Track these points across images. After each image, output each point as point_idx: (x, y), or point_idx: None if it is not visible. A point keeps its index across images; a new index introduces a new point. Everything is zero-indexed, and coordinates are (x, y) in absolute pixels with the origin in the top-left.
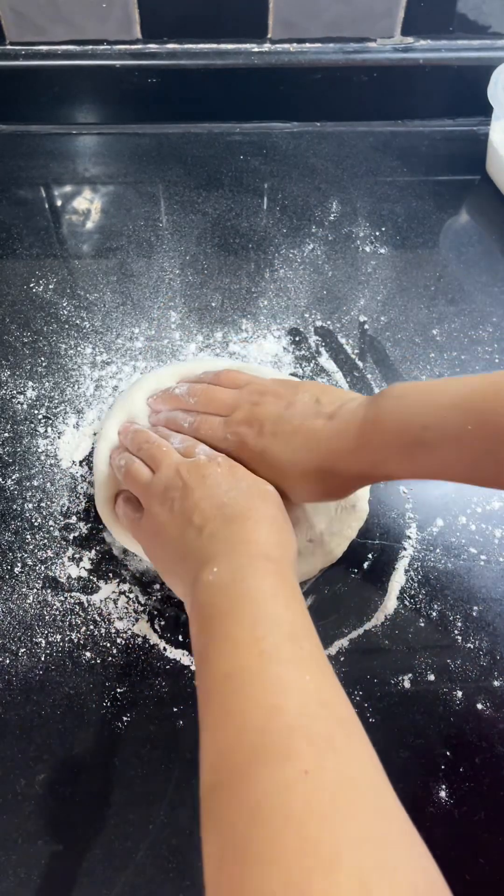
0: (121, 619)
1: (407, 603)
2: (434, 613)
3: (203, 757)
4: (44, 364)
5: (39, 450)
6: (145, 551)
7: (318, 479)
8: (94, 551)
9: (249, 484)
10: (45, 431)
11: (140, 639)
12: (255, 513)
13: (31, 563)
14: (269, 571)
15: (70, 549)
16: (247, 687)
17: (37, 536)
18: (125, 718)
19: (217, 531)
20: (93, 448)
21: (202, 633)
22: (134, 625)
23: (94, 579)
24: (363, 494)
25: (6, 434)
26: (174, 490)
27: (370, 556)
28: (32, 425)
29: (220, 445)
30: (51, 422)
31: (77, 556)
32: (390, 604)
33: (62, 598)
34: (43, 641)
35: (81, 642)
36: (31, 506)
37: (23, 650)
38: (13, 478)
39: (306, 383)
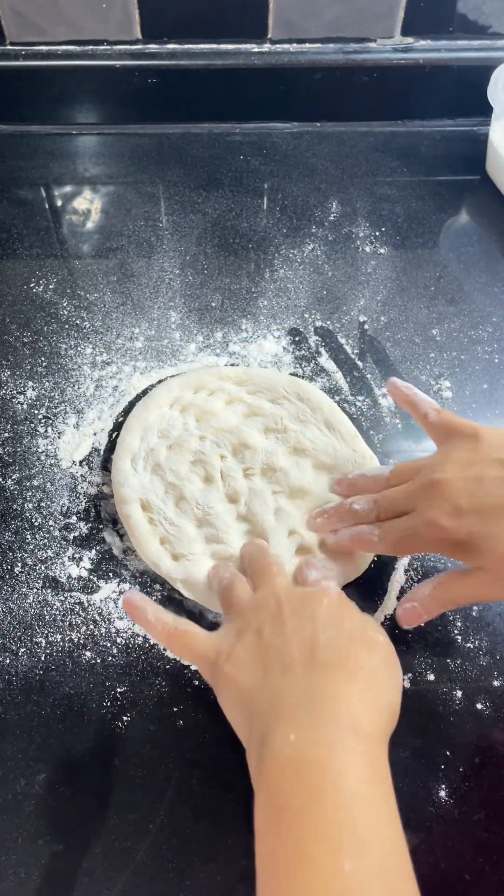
0: (121, 618)
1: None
2: None
3: None
4: (44, 364)
5: (39, 450)
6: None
7: None
8: (94, 551)
9: (355, 625)
10: (45, 431)
11: (140, 638)
12: (351, 662)
13: (31, 562)
14: (357, 752)
15: (70, 548)
16: None
17: (37, 536)
18: (125, 718)
19: (301, 676)
20: (92, 449)
21: (271, 828)
22: (134, 625)
23: (94, 579)
24: None
25: (6, 434)
26: (267, 612)
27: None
28: (32, 425)
29: (408, 547)
30: (51, 422)
31: (77, 555)
32: (390, 604)
33: (62, 598)
34: (43, 641)
35: (81, 642)
36: (31, 506)
37: (23, 650)
38: (13, 478)
39: (481, 440)
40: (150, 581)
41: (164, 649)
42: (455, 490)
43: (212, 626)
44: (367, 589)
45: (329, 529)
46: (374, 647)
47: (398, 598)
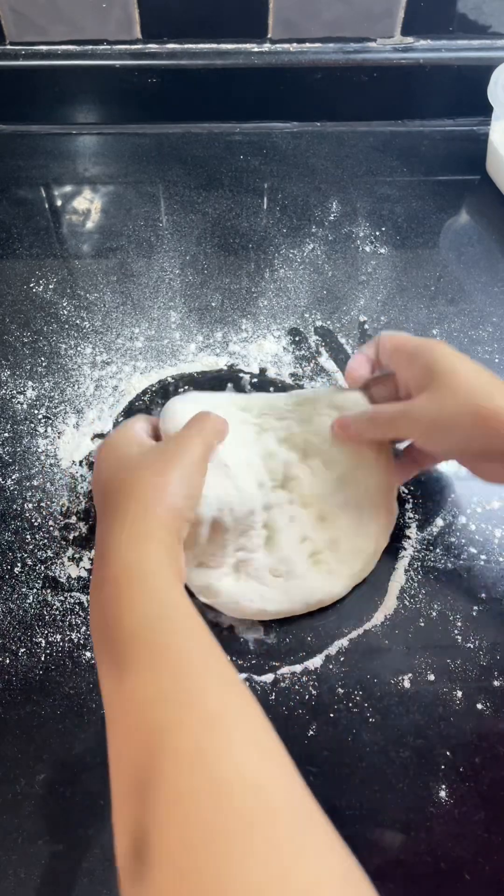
0: None
1: (407, 603)
2: (434, 613)
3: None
4: (44, 364)
5: (39, 450)
6: None
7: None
8: (94, 551)
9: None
10: (45, 431)
11: None
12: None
13: (31, 563)
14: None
15: (70, 548)
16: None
17: (37, 536)
18: None
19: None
20: (93, 450)
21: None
22: None
23: None
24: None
25: (6, 434)
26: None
27: None
28: (32, 425)
29: (387, 413)
30: (51, 422)
31: (77, 555)
32: (390, 604)
33: (62, 598)
34: (43, 641)
35: (81, 642)
36: (31, 506)
37: (23, 650)
38: (13, 478)
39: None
40: None
41: None
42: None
43: (230, 631)
44: (367, 589)
45: (348, 433)
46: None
47: (398, 599)
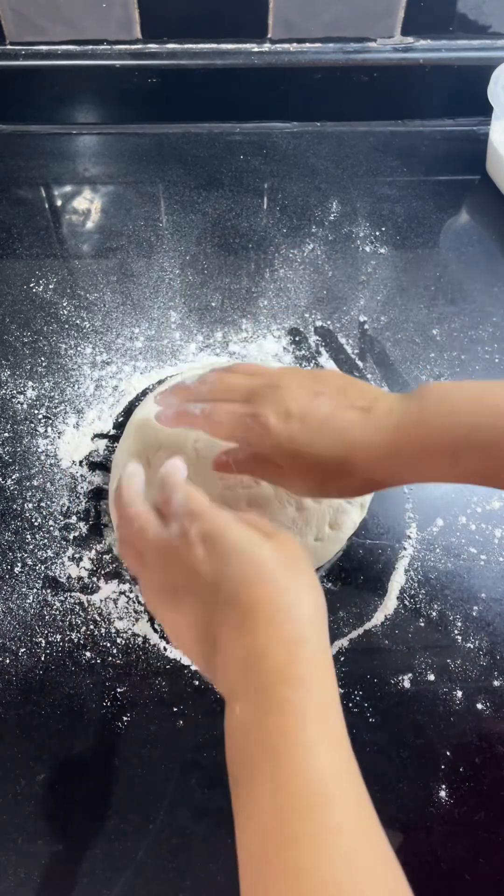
0: (121, 618)
1: (407, 603)
2: (434, 613)
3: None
4: (44, 364)
5: (39, 450)
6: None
7: (345, 473)
8: (94, 551)
9: (240, 563)
10: (45, 431)
11: (140, 639)
12: (255, 611)
13: (31, 563)
14: (288, 713)
15: (70, 548)
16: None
17: (37, 536)
18: (125, 718)
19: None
20: (93, 450)
21: (232, 779)
22: (134, 625)
23: (94, 579)
24: None
25: (6, 434)
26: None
27: (370, 556)
28: (32, 425)
29: (237, 432)
30: (51, 422)
31: (77, 556)
32: (390, 604)
33: (62, 598)
34: (43, 641)
35: (81, 642)
36: (31, 506)
37: (23, 650)
38: (13, 478)
39: (325, 371)
40: None
41: (164, 649)
42: (291, 396)
43: None
44: (367, 589)
45: (164, 403)
46: (265, 573)
47: (398, 599)
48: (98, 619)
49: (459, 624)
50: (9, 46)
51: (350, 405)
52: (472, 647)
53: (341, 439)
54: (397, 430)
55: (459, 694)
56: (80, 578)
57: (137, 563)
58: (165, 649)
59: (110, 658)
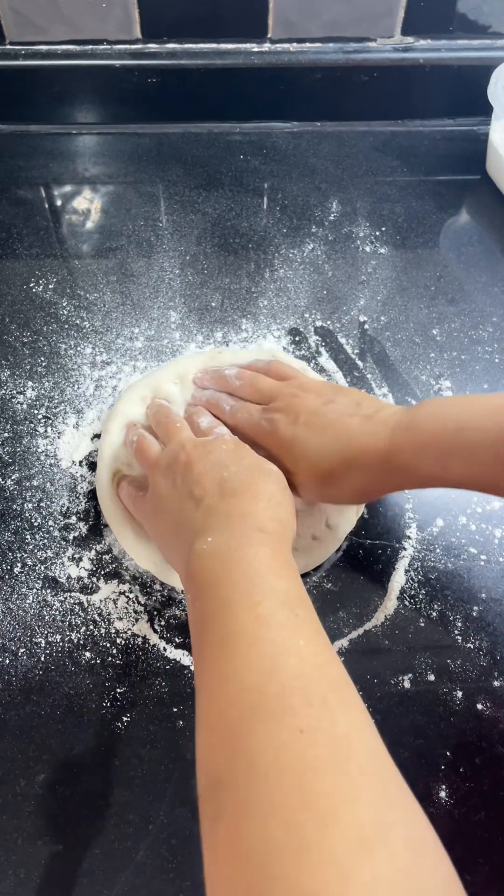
0: (121, 619)
1: (407, 603)
2: (434, 613)
3: (199, 719)
4: (44, 364)
5: (39, 450)
6: (146, 528)
7: (341, 474)
8: (94, 551)
9: (252, 462)
10: (45, 431)
11: (140, 639)
12: (254, 488)
13: (31, 563)
14: (263, 542)
15: (70, 549)
16: (243, 650)
17: (37, 536)
18: (125, 718)
19: (214, 504)
20: (93, 450)
21: (197, 600)
22: (134, 625)
23: (94, 579)
24: None
25: (6, 434)
26: (178, 464)
27: (370, 556)
28: (32, 425)
29: (252, 432)
30: (51, 422)
31: (77, 556)
32: (390, 604)
33: (62, 598)
34: (43, 641)
35: (81, 642)
36: (31, 506)
37: (23, 650)
38: (13, 478)
39: (350, 389)
40: (150, 581)
41: (164, 649)
42: (304, 406)
43: None
44: (367, 589)
45: (202, 385)
46: (270, 476)
47: (398, 599)
48: (98, 619)
49: (459, 624)
50: (9, 46)
51: (355, 412)
52: (472, 647)
53: (339, 441)
54: (392, 435)
55: (459, 694)
56: (79, 578)
57: (151, 462)
58: (165, 649)
59: (110, 658)
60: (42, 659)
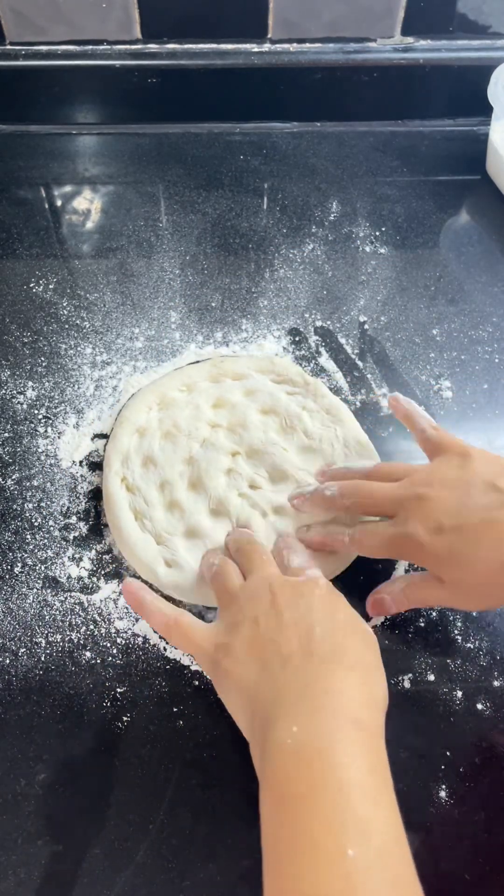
0: (121, 619)
1: None
2: (434, 613)
3: None
4: (44, 364)
5: (39, 450)
6: (206, 662)
7: None
8: (94, 551)
9: (346, 618)
10: (45, 431)
11: (140, 639)
12: (349, 654)
13: (31, 563)
14: (356, 742)
15: (70, 549)
16: None
17: (37, 536)
18: (125, 718)
19: (301, 667)
20: (93, 450)
21: (276, 815)
22: (134, 625)
23: (94, 579)
24: None
25: (6, 434)
26: (261, 602)
27: None
28: (32, 425)
29: (389, 552)
30: (51, 422)
31: (77, 556)
32: None
33: (62, 598)
34: (43, 641)
35: (81, 642)
36: (31, 506)
37: (23, 650)
38: (13, 478)
39: (471, 460)
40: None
41: (164, 649)
42: (440, 507)
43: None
44: (367, 589)
45: (302, 511)
46: (366, 641)
47: None
48: (98, 619)
49: (459, 624)
50: (9, 46)
51: (500, 501)
52: (472, 647)
53: (501, 542)
54: None
55: (459, 694)
56: (79, 578)
57: (230, 594)
58: (165, 649)
59: (110, 658)
60: (42, 659)
